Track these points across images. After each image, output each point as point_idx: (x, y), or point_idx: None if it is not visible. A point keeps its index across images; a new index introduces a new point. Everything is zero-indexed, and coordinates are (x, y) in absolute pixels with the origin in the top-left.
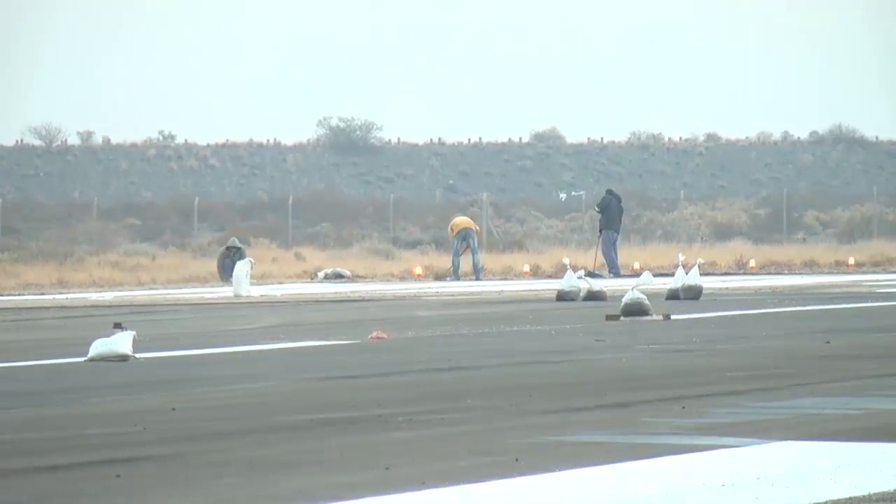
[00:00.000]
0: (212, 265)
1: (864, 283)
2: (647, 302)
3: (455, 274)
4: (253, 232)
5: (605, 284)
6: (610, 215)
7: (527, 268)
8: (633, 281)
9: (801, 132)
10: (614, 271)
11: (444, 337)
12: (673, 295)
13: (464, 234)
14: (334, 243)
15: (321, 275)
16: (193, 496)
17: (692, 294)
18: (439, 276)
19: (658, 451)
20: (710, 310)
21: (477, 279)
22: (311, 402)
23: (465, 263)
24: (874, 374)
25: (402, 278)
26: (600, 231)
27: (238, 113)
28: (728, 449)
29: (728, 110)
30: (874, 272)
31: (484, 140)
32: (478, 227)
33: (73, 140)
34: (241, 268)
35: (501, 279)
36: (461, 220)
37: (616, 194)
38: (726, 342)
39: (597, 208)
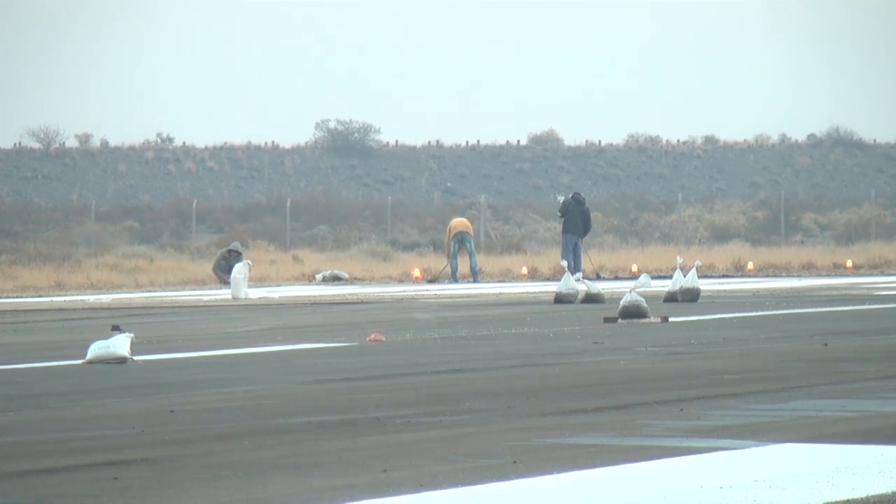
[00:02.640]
0: (210, 267)
1: (862, 286)
2: (644, 304)
3: (454, 276)
4: (251, 234)
5: (603, 287)
6: (570, 219)
7: (525, 270)
8: (626, 284)
9: (799, 135)
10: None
11: (442, 339)
12: (671, 297)
13: (461, 238)
14: (332, 246)
15: (319, 277)
16: (191, 499)
17: (690, 296)
18: (432, 279)
19: (656, 454)
20: (707, 312)
21: (475, 281)
22: (309, 404)
23: (462, 265)
24: (872, 377)
25: (400, 281)
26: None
27: (236, 115)
28: (726, 451)
29: (726, 113)
30: (872, 274)
31: (482, 143)
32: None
33: (72, 143)
34: (240, 270)
35: (499, 281)
36: (458, 223)
37: (578, 198)
38: (724, 344)
39: (558, 213)
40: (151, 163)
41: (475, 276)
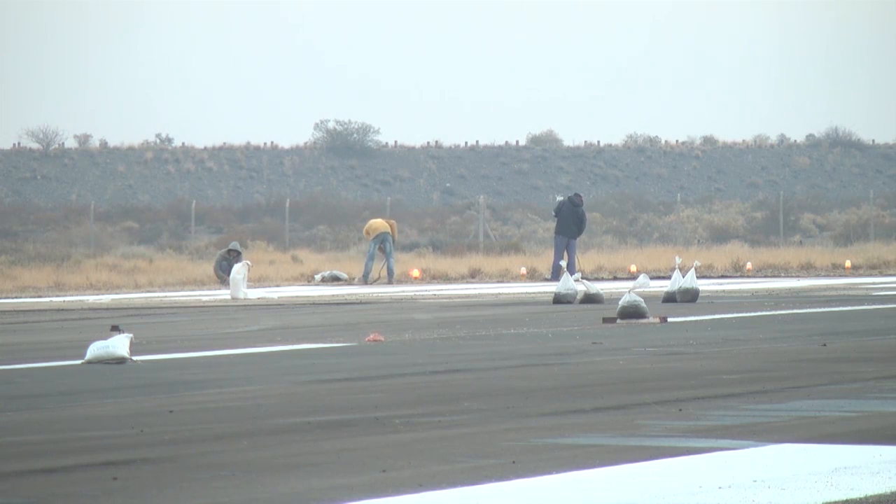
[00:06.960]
0: (209, 268)
1: (861, 286)
2: (643, 304)
3: (366, 278)
4: (250, 235)
5: (602, 287)
6: (562, 220)
7: (523, 270)
8: (624, 284)
9: (798, 135)
10: (553, 276)
11: (441, 339)
12: (669, 297)
13: (381, 238)
14: (331, 246)
15: (318, 277)
16: (190, 499)
17: (689, 297)
18: (359, 280)
19: (654, 454)
20: (706, 312)
21: (389, 283)
22: (308, 404)
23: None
24: (871, 377)
25: (399, 281)
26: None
27: (235, 116)
28: (724, 451)
29: (725, 113)
30: (870, 275)
31: (481, 143)
32: (394, 234)
33: (71, 143)
34: (239, 270)
35: (498, 282)
36: (380, 223)
37: (573, 199)
38: (723, 345)
39: (553, 213)
40: (150, 163)
41: (390, 277)
